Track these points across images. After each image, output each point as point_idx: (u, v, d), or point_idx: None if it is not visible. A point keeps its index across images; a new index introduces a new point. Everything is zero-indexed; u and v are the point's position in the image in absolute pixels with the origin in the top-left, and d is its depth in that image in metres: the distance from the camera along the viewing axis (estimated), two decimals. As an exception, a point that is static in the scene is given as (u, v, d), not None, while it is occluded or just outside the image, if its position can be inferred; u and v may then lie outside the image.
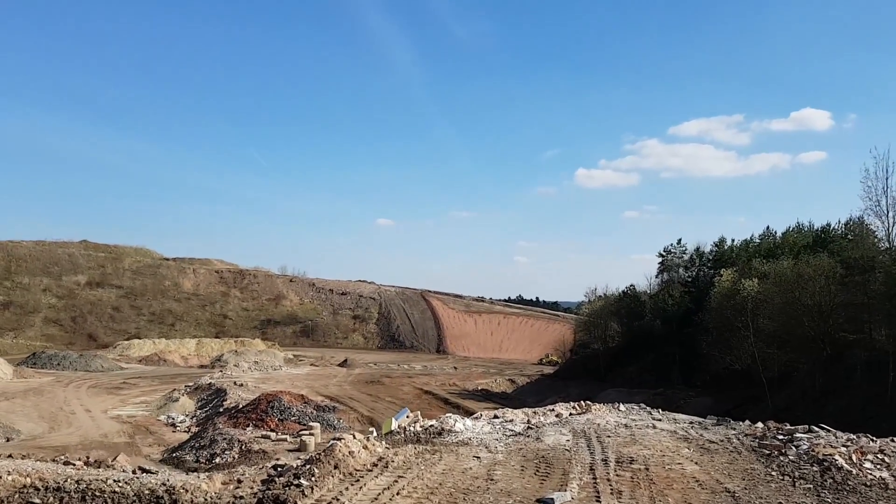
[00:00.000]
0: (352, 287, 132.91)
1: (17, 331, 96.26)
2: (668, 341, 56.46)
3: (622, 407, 23.45)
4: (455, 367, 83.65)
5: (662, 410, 23.13)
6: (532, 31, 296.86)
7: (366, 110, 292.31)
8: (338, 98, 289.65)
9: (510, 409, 22.60)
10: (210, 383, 52.45)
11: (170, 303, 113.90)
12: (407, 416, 21.91)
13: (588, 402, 23.73)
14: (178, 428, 41.02)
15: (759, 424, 18.88)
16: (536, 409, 22.93)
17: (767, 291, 40.50)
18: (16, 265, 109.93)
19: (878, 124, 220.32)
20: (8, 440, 36.33)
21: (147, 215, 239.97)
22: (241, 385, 50.59)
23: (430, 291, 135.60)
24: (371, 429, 21.16)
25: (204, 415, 43.26)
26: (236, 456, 30.37)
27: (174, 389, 52.06)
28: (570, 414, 21.98)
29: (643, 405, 23.58)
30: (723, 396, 44.62)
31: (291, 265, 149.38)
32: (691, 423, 20.53)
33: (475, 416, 21.92)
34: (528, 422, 20.39)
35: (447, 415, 21.06)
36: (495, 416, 21.46)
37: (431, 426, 19.28)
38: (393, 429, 19.81)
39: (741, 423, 19.64)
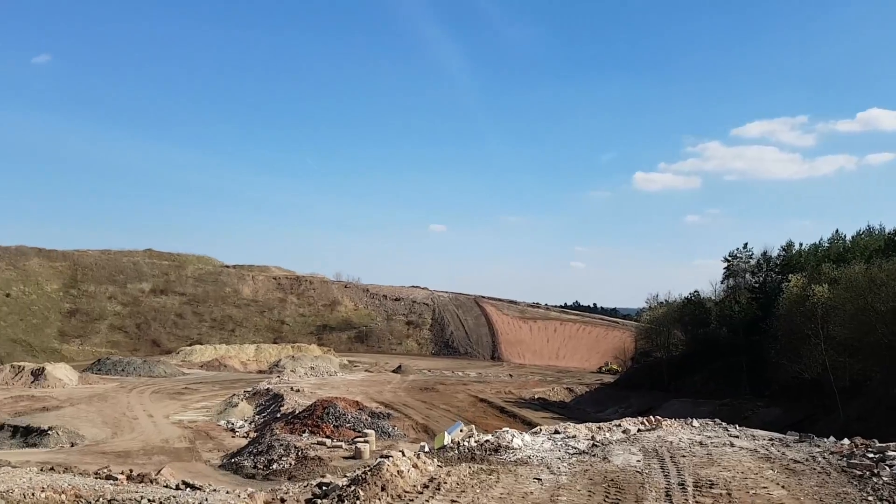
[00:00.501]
0: (405, 293, 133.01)
1: (83, 338, 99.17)
2: (734, 349, 54.54)
3: (695, 422, 21.95)
4: (510, 375, 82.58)
5: (739, 426, 21.58)
6: (586, 33, 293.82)
7: (417, 116, 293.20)
8: (390, 105, 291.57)
9: (572, 424, 21.11)
10: (268, 388, 52.88)
11: (230, 309, 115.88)
12: (461, 430, 20.72)
13: (657, 417, 22.18)
14: (237, 433, 41.36)
15: (846, 441, 17.54)
16: (601, 423, 21.52)
17: (838, 297, 38.69)
18: (82, 274, 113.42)
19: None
20: (73, 445, 37.08)
21: (209, 224, 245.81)
22: (298, 391, 50.84)
23: (483, 297, 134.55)
24: (422, 443, 19.92)
25: (262, 420, 43.54)
26: (293, 462, 30.32)
27: (234, 395, 52.65)
28: (639, 430, 20.56)
29: (717, 420, 22.11)
30: (792, 406, 42.93)
31: (346, 271, 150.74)
32: (771, 440, 19.07)
33: (534, 430, 20.66)
34: (593, 438, 18.91)
35: (504, 429, 19.47)
36: (556, 432, 20.10)
37: (487, 441, 17.97)
38: (446, 443, 18.66)
39: (825, 439, 18.28)
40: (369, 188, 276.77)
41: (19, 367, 61.30)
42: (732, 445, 17.75)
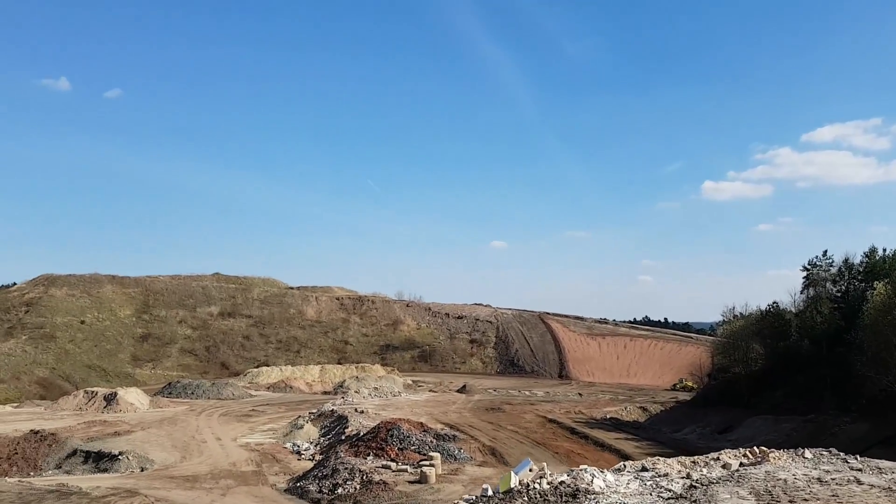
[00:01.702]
0: (468, 310, 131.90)
1: (154, 361, 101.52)
2: (817, 362, 51.62)
3: (808, 453, 18.98)
4: (580, 394, 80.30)
5: (861, 457, 18.54)
6: (645, 42, 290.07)
7: (477, 133, 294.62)
8: (450, 123, 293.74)
9: (661, 459, 18.16)
10: (332, 410, 52.52)
11: (295, 330, 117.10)
12: (530, 469, 18.20)
13: (762, 448, 19.23)
14: (302, 456, 41.06)
15: None
16: (696, 458, 18.57)
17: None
18: (153, 299, 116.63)
19: None
20: (142, 470, 37.35)
21: (273, 247, 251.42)
22: (362, 412, 50.30)
23: (548, 314, 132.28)
24: (485, 485, 16.95)
25: (327, 442, 43.11)
26: (357, 486, 29.57)
27: (299, 416, 52.49)
28: (741, 464, 17.74)
29: (832, 450, 19.15)
30: (882, 422, 40.36)
31: (408, 290, 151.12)
32: None
33: (617, 467, 17.85)
34: (689, 476, 16.21)
35: (582, 468, 16.61)
36: (644, 469, 17.31)
37: (562, 483, 15.34)
38: (513, 486, 16.10)
39: None
40: (430, 206, 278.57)
41: (92, 392, 62.70)
42: (859, 483, 15.20)
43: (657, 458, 18.52)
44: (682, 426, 54.88)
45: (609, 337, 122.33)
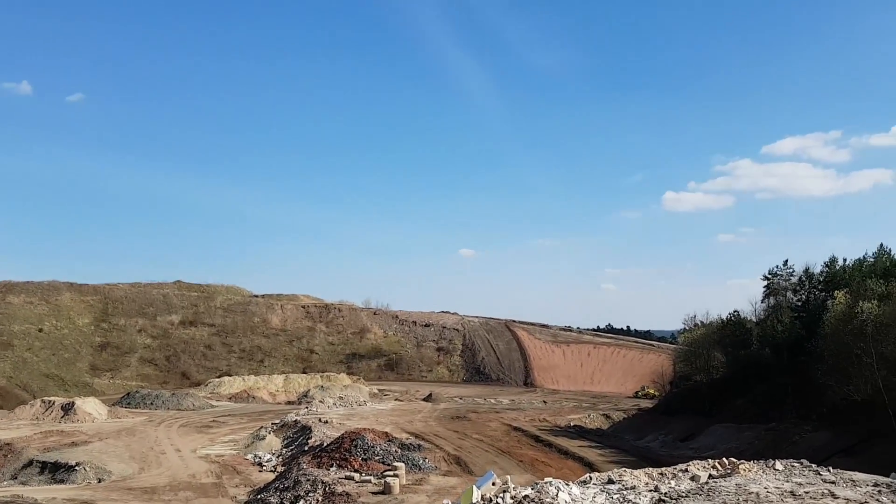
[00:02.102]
0: (435, 318, 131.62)
1: (114, 371, 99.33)
2: (778, 371, 52.33)
3: (778, 465, 18.34)
4: (544, 402, 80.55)
5: (823, 465, 18.08)
6: (611, 54, 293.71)
7: (445, 142, 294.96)
8: (417, 131, 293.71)
9: (628, 470, 17.62)
10: (296, 420, 51.88)
11: (259, 339, 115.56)
12: (493, 483, 17.22)
13: (731, 459, 18.72)
14: (264, 467, 40.47)
15: None
16: (663, 469, 17.97)
17: (890, 314, 36.60)
18: (113, 307, 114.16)
19: None
20: (100, 481, 36.58)
21: (236, 254, 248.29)
22: (327, 422, 49.75)
23: (514, 321, 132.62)
24: (445, 501, 16.46)
25: (290, 453, 42.52)
26: (320, 498, 29.13)
27: (261, 427, 51.79)
28: (711, 476, 17.19)
29: (805, 461, 18.52)
30: (842, 430, 40.86)
31: (375, 298, 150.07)
32: (876, 485, 15.89)
33: (583, 479, 17.26)
34: (657, 489, 15.57)
35: (547, 480, 15.95)
36: (610, 481, 16.79)
37: (526, 498, 14.71)
38: (475, 501, 15.44)
39: None
40: (398, 214, 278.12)
41: (50, 401, 61.22)
42: (834, 496, 14.59)
43: (624, 469, 18.02)
44: (645, 434, 55.28)
45: (573, 345, 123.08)
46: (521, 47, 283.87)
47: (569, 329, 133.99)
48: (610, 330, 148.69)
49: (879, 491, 15.00)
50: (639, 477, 16.86)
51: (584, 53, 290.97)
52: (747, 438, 45.93)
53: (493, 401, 79.32)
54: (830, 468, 17.59)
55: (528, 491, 14.99)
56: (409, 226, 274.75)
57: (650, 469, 17.91)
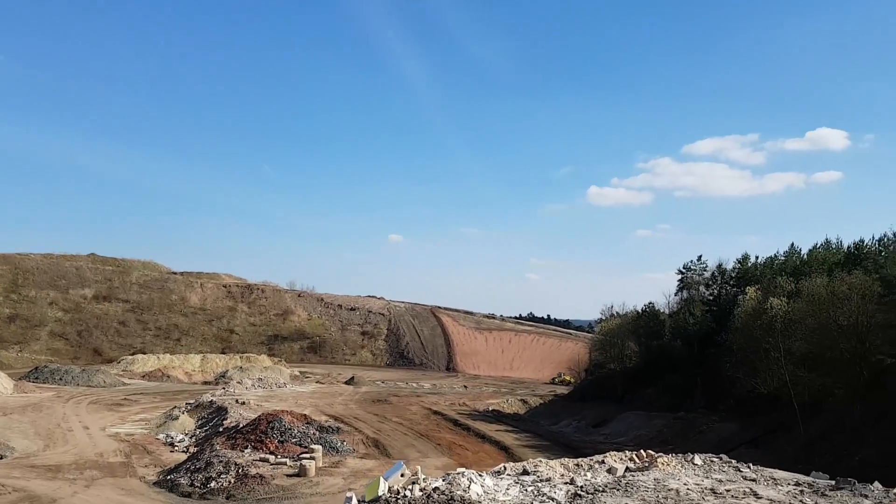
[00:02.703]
0: (361, 302, 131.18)
1: (22, 344, 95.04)
2: (689, 362, 54.30)
3: (697, 459, 17.53)
4: (465, 386, 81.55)
5: (754, 465, 17.56)
6: (547, 49, 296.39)
7: (379, 127, 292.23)
8: (351, 115, 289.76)
9: (543, 461, 16.91)
10: (211, 401, 50.87)
11: (176, 317, 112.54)
12: (402, 474, 16.35)
13: (650, 452, 18.33)
14: (176, 448, 39.47)
15: None
16: (580, 460, 17.13)
17: (798, 311, 38.38)
18: (23, 278, 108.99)
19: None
20: (1, 458, 34.94)
21: (156, 229, 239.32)
22: (243, 403, 48.96)
23: (440, 308, 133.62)
24: (349, 493, 14.74)
25: (203, 434, 41.64)
26: (232, 480, 28.65)
27: (175, 407, 50.56)
28: (628, 469, 16.70)
29: (724, 457, 18.06)
30: (749, 422, 42.60)
31: (300, 280, 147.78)
32: (798, 484, 15.42)
33: (497, 470, 16.38)
34: (573, 482, 14.96)
35: (459, 471, 15.13)
36: (525, 472, 15.97)
37: (436, 490, 13.74)
38: (381, 493, 14.27)
39: (870, 486, 14.76)
40: (327, 197, 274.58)
41: (-49, 374, 58.16)
42: (757, 496, 13.98)
43: (539, 459, 17.45)
44: (560, 419, 56.70)
45: (496, 331, 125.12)
46: (460, 35, 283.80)
47: (492, 316, 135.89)
48: (531, 318, 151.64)
49: (802, 491, 14.76)
50: (554, 468, 16.38)
51: (521, 46, 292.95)
52: (657, 426, 47.60)
53: (414, 385, 79.78)
54: (750, 465, 17.48)
55: (439, 483, 14.26)
56: (338, 209, 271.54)
57: (566, 460, 17.58)
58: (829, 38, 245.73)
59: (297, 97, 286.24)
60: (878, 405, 32.01)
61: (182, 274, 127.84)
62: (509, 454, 37.65)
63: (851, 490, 14.53)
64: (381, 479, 15.13)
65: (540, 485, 14.67)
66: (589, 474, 15.94)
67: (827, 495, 14.26)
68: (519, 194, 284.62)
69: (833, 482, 15.34)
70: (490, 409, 60.68)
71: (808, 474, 16.89)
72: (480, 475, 15.07)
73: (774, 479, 15.96)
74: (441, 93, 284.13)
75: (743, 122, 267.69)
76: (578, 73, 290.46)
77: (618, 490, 14.10)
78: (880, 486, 14.72)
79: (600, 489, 14.17)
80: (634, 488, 14.23)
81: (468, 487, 13.76)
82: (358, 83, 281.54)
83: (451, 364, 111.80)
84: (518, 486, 14.56)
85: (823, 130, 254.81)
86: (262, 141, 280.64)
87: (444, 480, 14.39)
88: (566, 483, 14.91)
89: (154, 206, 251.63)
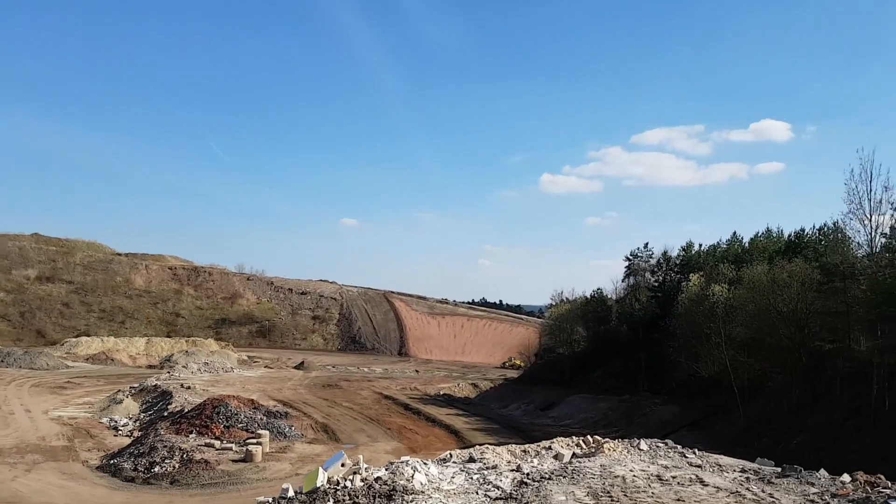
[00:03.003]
0: (312, 286, 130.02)
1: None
2: (634, 347, 55.56)
3: (643, 444, 17.43)
4: (417, 371, 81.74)
5: (700, 450, 17.54)
6: (503, 36, 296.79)
7: (333, 110, 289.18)
8: (305, 97, 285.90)
9: (490, 447, 16.63)
10: (156, 385, 49.97)
11: (121, 300, 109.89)
12: (342, 464, 15.49)
13: (596, 437, 18.15)
14: (119, 432, 38.76)
15: (846, 479, 14.19)
16: (526, 446, 17.13)
17: (740, 297, 39.54)
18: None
19: (838, 136, 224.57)
20: (-62, 442, 33.78)
21: (100, 209, 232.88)
22: (189, 388, 48.22)
23: (393, 292, 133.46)
24: (286, 485, 14.01)
25: (148, 418, 40.95)
26: (176, 465, 28.26)
27: (119, 390, 49.59)
28: (574, 455, 16.49)
29: (670, 442, 18.03)
30: (690, 405, 43.84)
31: (249, 263, 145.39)
32: (744, 471, 15.32)
33: (443, 457, 15.93)
34: (519, 469, 14.74)
35: (403, 460, 14.64)
36: (471, 459, 15.53)
37: (378, 480, 13.14)
38: (320, 483, 13.44)
39: (815, 473, 14.69)
40: (279, 180, 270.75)
41: None
42: (703, 483, 13.91)
43: (486, 446, 17.13)
44: (509, 402, 57.43)
45: (448, 316, 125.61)
46: (417, 19, 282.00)
47: (445, 301, 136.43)
48: (484, 303, 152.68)
49: (748, 478, 14.73)
50: (501, 455, 16.12)
51: (477, 32, 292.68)
52: (602, 409, 48.60)
53: (366, 370, 79.60)
54: (696, 450, 17.43)
55: (382, 472, 13.75)
56: (290, 192, 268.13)
57: (513, 446, 17.29)
58: (774, 30, 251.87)
59: (250, 78, 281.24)
60: (816, 390, 33.20)
61: (127, 255, 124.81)
62: (459, 438, 37.96)
63: (797, 477, 14.47)
64: (320, 470, 14.49)
65: (486, 472, 14.43)
66: (536, 461, 15.72)
67: (773, 483, 14.20)
68: (474, 180, 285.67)
69: (779, 469, 15.34)
70: (441, 393, 61.04)
71: (750, 458, 16.96)
72: (425, 463, 14.75)
73: (720, 465, 15.93)
74: (398, 76, 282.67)
75: (690, 113, 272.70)
76: (534, 60, 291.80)
77: (564, 477, 13.97)
78: (826, 474, 14.74)
79: (546, 476, 14.01)
80: (581, 475, 14.13)
81: (412, 477, 13.32)
82: (313, 66, 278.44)
83: (404, 349, 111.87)
84: (464, 474, 14.27)
85: (767, 122, 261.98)
86: (210, 121, 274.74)
87: (386, 470, 13.94)
88: (512, 470, 14.71)
89: (98, 185, 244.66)
